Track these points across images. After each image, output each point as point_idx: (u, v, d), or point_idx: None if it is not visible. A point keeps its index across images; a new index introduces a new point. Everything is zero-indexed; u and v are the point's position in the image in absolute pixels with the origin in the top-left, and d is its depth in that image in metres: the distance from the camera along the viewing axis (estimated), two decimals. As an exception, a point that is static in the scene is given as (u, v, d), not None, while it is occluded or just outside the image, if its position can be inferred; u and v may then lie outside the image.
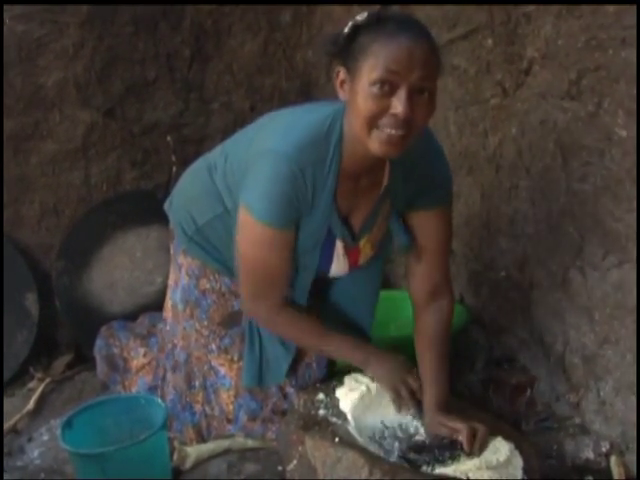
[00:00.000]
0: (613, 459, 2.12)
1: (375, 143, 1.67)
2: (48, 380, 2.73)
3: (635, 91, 1.92)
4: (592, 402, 2.24)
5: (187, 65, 3.19)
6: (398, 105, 1.60)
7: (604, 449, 2.17)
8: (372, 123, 1.64)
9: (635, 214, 1.96)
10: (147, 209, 3.06)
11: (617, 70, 1.99)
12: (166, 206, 2.27)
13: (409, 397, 1.94)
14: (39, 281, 2.93)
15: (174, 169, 3.16)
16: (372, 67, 1.61)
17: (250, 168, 1.84)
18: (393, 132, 1.64)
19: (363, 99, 1.63)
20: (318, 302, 2.19)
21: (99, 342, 2.52)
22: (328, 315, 2.19)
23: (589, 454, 2.18)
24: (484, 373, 2.60)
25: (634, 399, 2.07)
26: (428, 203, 1.96)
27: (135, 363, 2.44)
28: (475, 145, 2.61)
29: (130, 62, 3.06)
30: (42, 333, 2.91)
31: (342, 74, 1.71)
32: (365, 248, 2.03)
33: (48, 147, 2.95)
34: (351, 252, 2.01)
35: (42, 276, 2.97)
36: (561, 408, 2.35)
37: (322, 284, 2.17)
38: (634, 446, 2.09)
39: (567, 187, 2.21)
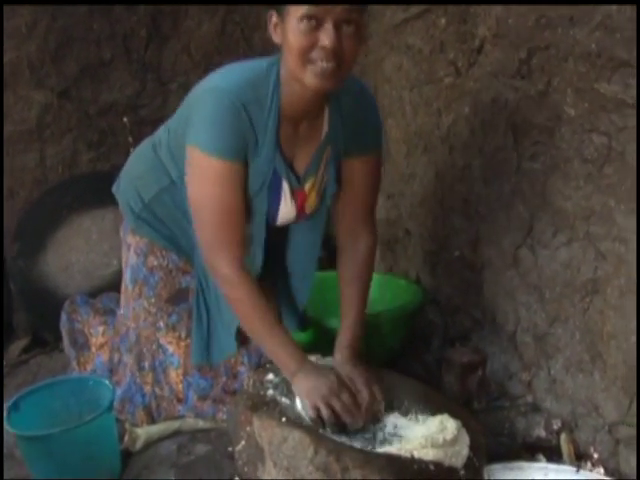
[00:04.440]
0: (563, 437, 2.14)
1: (310, 77, 1.73)
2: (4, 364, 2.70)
3: (585, 69, 1.92)
4: (543, 380, 2.25)
5: (144, 45, 3.15)
6: (325, 38, 1.67)
7: (555, 427, 2.19)
8: (304, 58, 1.71)
9: (583, 193, 1.98)
10: (103, 191, 2.95)
11: (566, 48, 1.99)
12: (114, 189, 2.26)
13: (329, 417, 1.80)
14: (-7, 264, 2.88)
15: (131, 151, 3.04)
16: (298, 5, 1.67)
17: (192, 114, 1.87)
18: (325, 64, 1.70)
19: (293, 36, 1.70)
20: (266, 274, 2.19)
21: (63, 316, 2.50)
22: (273, 286, 2.21)
23: (540, 432, 2.20)
24: (440, 352, 2.60)
25: (582, 377, 2.09)
26: (361, 149, 2.02)
27: (94, 341, 2.41)
28: (429, 125, 2.61)
29: (85, 42, 3.02)
30: (-4, 317, 2.86)
31: (274, 18, 1.78)
32: (311, 194, 2.05)
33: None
34: (298, 195, 2.02)
35: (-4, 259, 2.92)
36: (514, 387, 2.37)
37: (274, 248, 2.18)
38: (583, 423, 2.11)
39: (518, 166, 2.22)
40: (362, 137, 2.02)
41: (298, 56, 1.71)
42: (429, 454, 1.69)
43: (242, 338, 2.13)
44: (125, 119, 3.17)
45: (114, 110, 3.15)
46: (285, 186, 1.98)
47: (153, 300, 2.14)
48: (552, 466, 1.95)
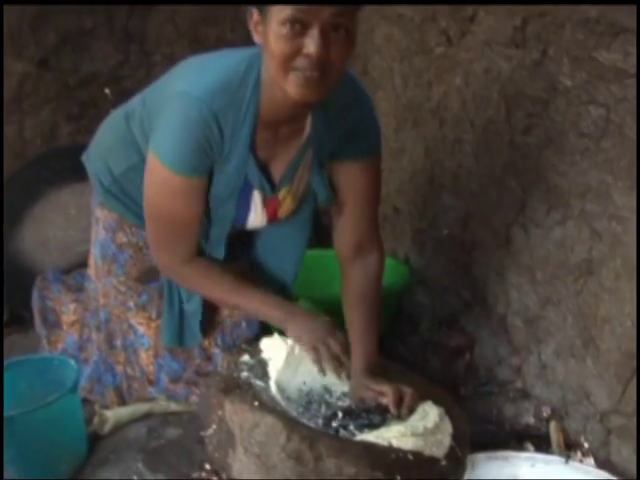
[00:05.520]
0: (552, 425, 2.08)
1: (292, 86, 1.56)
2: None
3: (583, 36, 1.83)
4: (533, 366, 2.18)
5: (127, 14, 3.05)
6: (310, 45, 1.49)
7: (544, 414, 2.13)
8: (286, 65, 1.53)
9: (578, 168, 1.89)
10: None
11: (563, 15, 1.91)
12: (84, 157, 2.15)
13: (329, 358, 1.79)
14: (-32, 240, 2.81)
15: (113, 123, 3.02)
16: (281, 6, 1.50)
17: (161, 111, 1.73)
18: (308, 74, 1.52)
19: (275, 40, 1.52)
20: (241, 255, 2.10)
21: (34, 293, 2.41)
22: (251, 268, 2.11)
23: (529, 419, 2.13)
24: (427, 335, 2.52)
25: (574, 362, 2.02)
26: (354, 154, 1.86)
27: (65, 319, 2.33)
28: (419, 97, 2.52)
29: (65, 11, 2.91)
30: (-30, 294, 2.79)
31: (255, 15, 1.60)
32: (286, 200, 1.92)
33: (-22, 99, 2.82)
34: (269, 203, 1.90)
35: (-30, 234, 2.84)
36: (502, 372, 2.30)
37: (244, 237, 2.07)
38: (574, 411, 2.04)
39: (510, 140, 2.14)
40: (358, 141, 1.84)
41: (280, 63, 1.53)
42: (408, 443, 1.60)
43: (213, 322, 2.07)
44: (107, 90, 3.07)
45: (95, 81, 3.06)
46: (256, 194, 1.86)
47: (122, 278, 2.05)
48: (540, 456, 1.88)
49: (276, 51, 1.52)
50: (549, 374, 2.11)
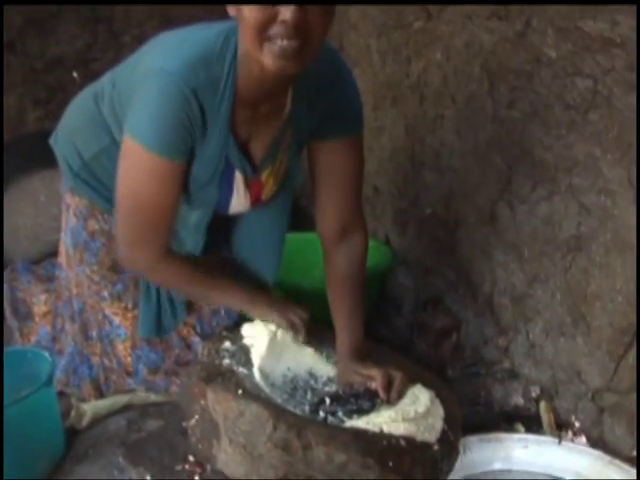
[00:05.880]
0: (542, 405, 2.05)
1: (268, 57, 1.46)
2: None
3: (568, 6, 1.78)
4: (521, 345, 2.14)
5: (93, -6, 2.96)
6: (286, 11, 1.39)
7: (534, 394, 2.09)
8: (261, 34, 1.44)
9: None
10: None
11: (546, -15, 1.85)
12: (52, 139, 2.06)
13: (301, 323, 1.82)
14: None
15: (81, 107, 2.94)
16: None
17: (136, 91, 1.63)
18: (285, 43, 1.43)
19: (248, 8, 1.43)
20: (221, 245, 2.04)
21: (5, 285, 2.32)
22: (231, 259, 2.05)
23: (518, 400, 2.10)
24: (411, 317, 2.48)
25: (564, 341, 1.98)
26: (337, 131, 1.79)
27: (37, 310, 2.25)
28: (398, 73, 2.46)
29: (30, -9, 2.83)
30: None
31: None
32: (268, 181, 1.85)
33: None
34: (253, 185, 1.82)
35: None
36: (489, 352, 2.25)
37: (223, 226, 2.00)
38: (564, 390, 2.01)
39: (494, 115, 2.09)
40: (341, 118, 1.76)
41: (254, 33, 1.43)
42: (400, 428, 1.55)
43: (190, 309, 2.02)
44: (75, 74, 2.99)
45: (63, 64, 2.98)
46: (238, 177, 1.78)
47: (95, 267, 1.97)
48: (532, 437, 1.86)
49: (249, 19, 1.43)
50: (538, 353, 2.07)
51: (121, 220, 1.73)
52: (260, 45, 1.45)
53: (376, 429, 1.55)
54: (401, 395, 1.68)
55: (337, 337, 1.82)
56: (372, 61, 2.54)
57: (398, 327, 2.48)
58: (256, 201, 1.86)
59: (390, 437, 1.53)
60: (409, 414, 1.58)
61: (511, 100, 2.01)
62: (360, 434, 1.53)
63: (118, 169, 1.68)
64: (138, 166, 1.64)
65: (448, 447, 1.61)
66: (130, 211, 1.70)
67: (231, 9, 1.52)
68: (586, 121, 1.81)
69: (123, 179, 1.68)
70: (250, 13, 1.42)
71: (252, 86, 1.62)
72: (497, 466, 1.80)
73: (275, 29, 1.42)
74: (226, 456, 1.58)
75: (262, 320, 1.84)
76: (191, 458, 1.80)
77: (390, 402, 1.66)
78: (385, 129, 2.52)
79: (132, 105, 1.63)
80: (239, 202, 1.83)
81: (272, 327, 1.82)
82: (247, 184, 1.80)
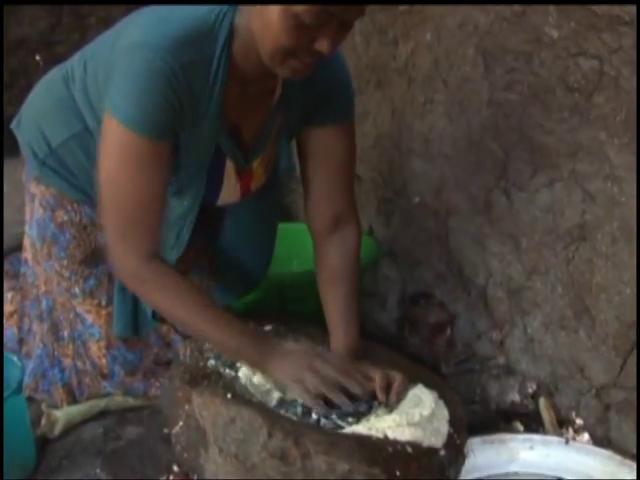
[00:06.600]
0: (542, 401, 1.97)
1: (286, 70, 1.45)
2: None
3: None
4: (518, 339, 2.06)
5: (57, -27, 2.84)
6: (324, 43, 1.36)
7: (530, 390, 2.01)
8: (288, 54, 1.40)
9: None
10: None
11: (547, -40, 1.76)
12: (14, 124, 1.92)
13: (317, 386, 1.53)
14: None
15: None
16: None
17: (116, 67, 1.50)
18: (308, 61, 1.42)
19: (284, 30, 1.35)
20: (208, 241, 1.93)
21: None
22: (220, 252, 1.95)
23: (514, 396, 2.03)
24: (398, 311, 2.39)
25: (564, 335, 1.90)
26: (330, 117, 1.70)
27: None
28: (384, 56, 2.35)
29: (-13, -31, 2.69)
30: None
31: None
32: (257, 171, 1.75)
33: None
34: (244, 176, 1.72)
35: None
36: (483, 347, 2.17)
37: (209, 221, 1.89)
38: (564, 386, 1.94)
39: (490, 98, 2.00)
40: (334, 103, 1.70)
41: (283, 53, 1.40)
42: (405, 433, 1.44)
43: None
44: (38, 57, 2.87)
45: (25, 47, 2.85)
46: (229, 165, 1.69)
47: (65, 262, 1.84)
48: (537, 437, 1.78)
49: (283, 42, 1.37)
50: (536, 348, 1.99)
51: (105, 209, 1.58)
52: (283, 60, 1.42)
53: (380, 435, 1.43)
54: (400, 398, 1.58)
55: (331, 336, 1.70)
56: (355, 43, 2.43)
57: (383, 322, 2.39)
58: (247, 191, 1.75)
59: (396, 443, 1.41)
60: (414, 418, 1.47)
61: (508, 82, 1.92)
62: (364, 441, 1.41)
63: (101, 148, 1.54)
64: (119, 147, 1.50)
65: (455, 452, 1.50)
66: (113, 197, 1.55)
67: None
68: (591, 104, 1.73)
69: (105, 164, 1.54)
70: (285, 36, 1.37)
71: (246, 69, 1.54)
72: (502, 469, 1.71)
73: (305, 52, 1.40)
74: (215, 466, 1.47)
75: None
76: (176, 468, 1.70)
77: (388, 405, 1.56)
78: (369, 114, 2.41)
79: (112, 82, 1.50)
80: (229, 193, 1.72)
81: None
82: (238, 173, 1.68)
